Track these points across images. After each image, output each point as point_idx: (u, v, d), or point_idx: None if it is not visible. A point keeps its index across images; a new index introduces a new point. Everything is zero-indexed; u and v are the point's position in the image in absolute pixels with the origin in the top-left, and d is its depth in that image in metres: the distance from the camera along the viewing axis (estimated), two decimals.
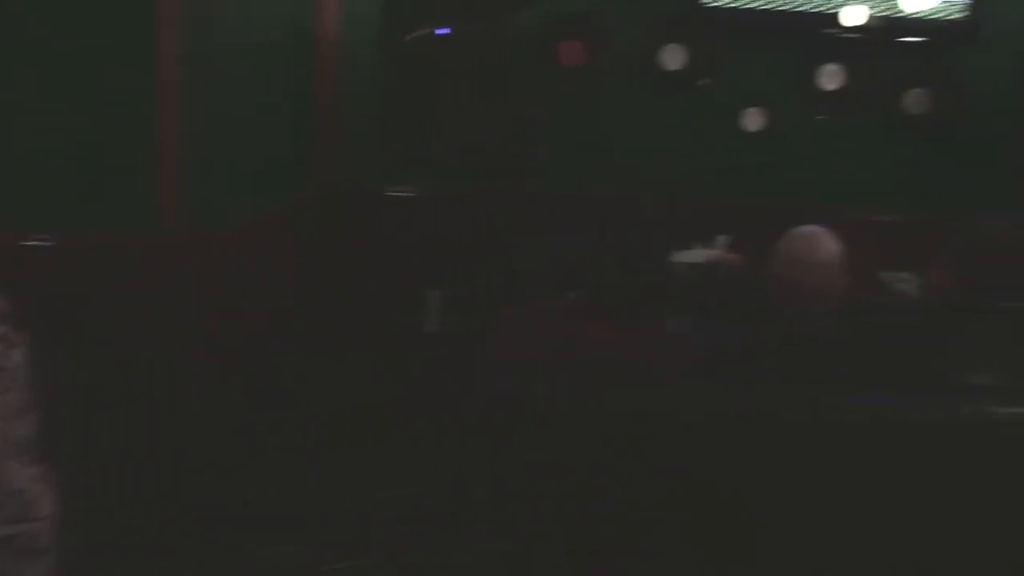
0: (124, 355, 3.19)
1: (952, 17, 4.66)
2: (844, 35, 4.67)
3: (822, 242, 3.19)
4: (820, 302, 3.15)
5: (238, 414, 3.65)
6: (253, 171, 4.04)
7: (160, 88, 3.29)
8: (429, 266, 4.54)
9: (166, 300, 3.29)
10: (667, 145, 4.81)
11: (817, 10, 4.72)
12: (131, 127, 3.28)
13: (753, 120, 4.83)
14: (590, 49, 4.77)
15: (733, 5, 4.75)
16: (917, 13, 4.64)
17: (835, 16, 4.66)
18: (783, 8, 4.75)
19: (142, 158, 3.29)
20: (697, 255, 4.23)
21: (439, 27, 4.11)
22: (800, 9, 4.75)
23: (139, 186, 3.30)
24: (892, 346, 3.09)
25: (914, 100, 4.79)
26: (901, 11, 4.64)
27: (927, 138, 4.78)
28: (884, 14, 4.65)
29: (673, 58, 4.84)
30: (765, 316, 3.17)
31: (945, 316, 3.19)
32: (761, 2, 4.74)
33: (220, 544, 3.41)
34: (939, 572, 2.76)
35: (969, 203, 3.25)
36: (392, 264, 4.71)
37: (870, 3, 4.65)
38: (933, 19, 4.66)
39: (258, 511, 3.64)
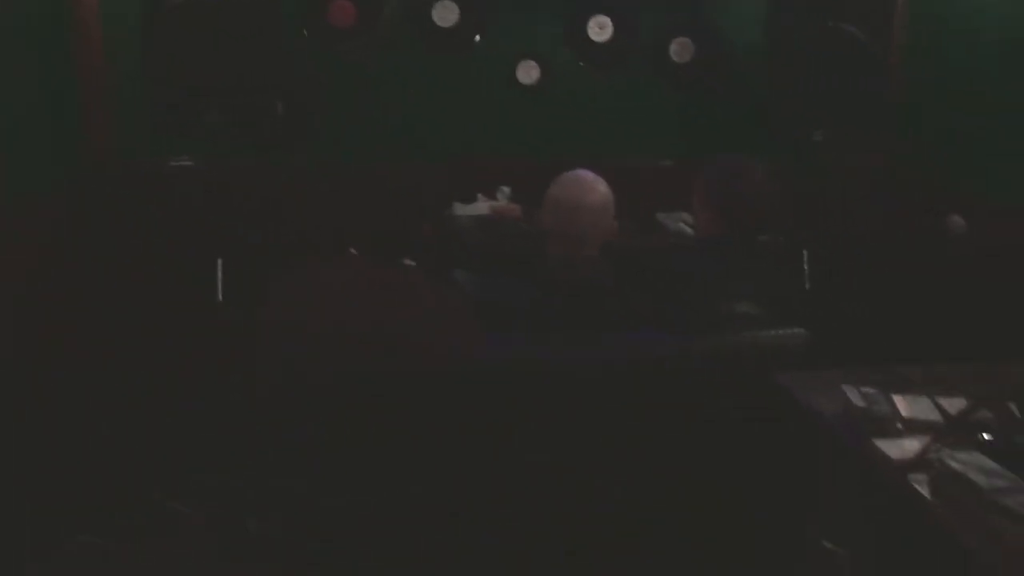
0: None
1: None
2: None
3: (590, 185, 3.12)
4: (590, 244, 3.08)
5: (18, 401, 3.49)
6: (20, 151, 3.88)
7: None
8: (212, 236, 4.42)
9: None
10: (442, 105, 4.71)
11: None
12: None
13: (525, 74, 4.79)
14: (360, 9, 4.65)
15: None
16: None
17: None
18: None
19: None
20: (477, 208, 4.13)
21: None
22: None
23: None
24: (661, 284, 3.08)
25: (679, 50, 4.87)
26: None
27: (692, 87, 4.86)
28: None
29: (444, 15, 4.77)
30: (540, 264, 3.10)
31: (708, 252, 3.21)
32: None
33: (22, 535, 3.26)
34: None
35: (731, 148, 3.38)
36: (173, 236, 4.55)
37: None
38: None
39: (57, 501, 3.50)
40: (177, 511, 3.45)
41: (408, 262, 2.81)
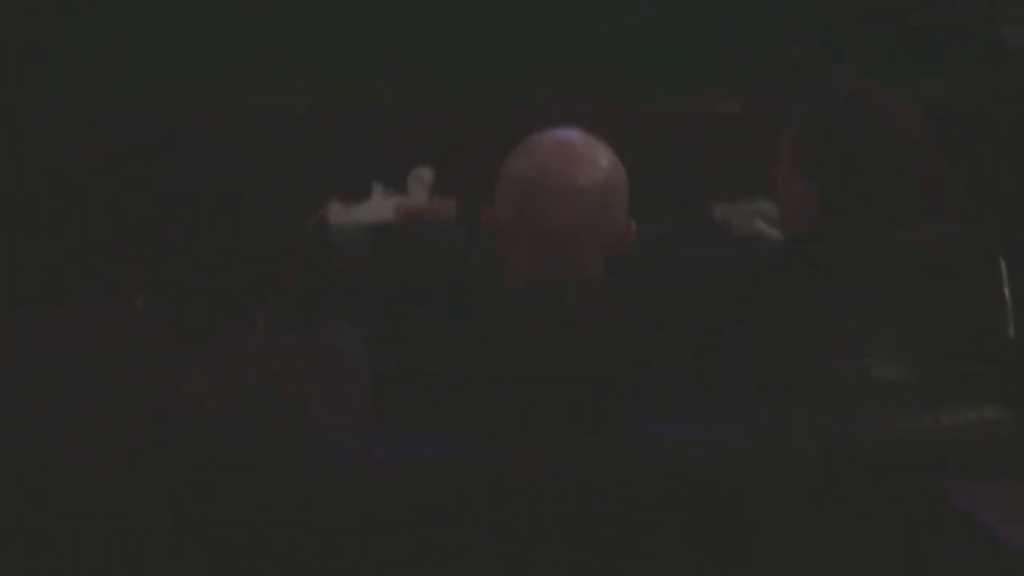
0: None
1: None
2: None
3: (582, 155, 2.39)
4: (584, 261, 2.37)
5: None
6: None
7: None
8: None
9: None
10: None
11: None
12: None
13: None
14: None
15: None
16: None
17: None
18: None
19: None
20: (373, 209, 3.36)
21: None
22: None
23: None
24: (718, 329, 2.44)
25: None
26: None
27: None
28: None
29: None
30: (492, 302, 2.42)
31: (806, 265, 2.55)
32: None
33: None
34: None
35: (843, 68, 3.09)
36: None
37: None
38: None
39: None
40: None
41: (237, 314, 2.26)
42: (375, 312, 2.85)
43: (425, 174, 3.64)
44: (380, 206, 3.45)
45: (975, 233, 3.33)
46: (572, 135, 2.41)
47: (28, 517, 2.16)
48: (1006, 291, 3.08)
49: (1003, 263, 3.13)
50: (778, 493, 2.22)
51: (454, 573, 2.14)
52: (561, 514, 2.15)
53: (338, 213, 3.32)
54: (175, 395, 2.14)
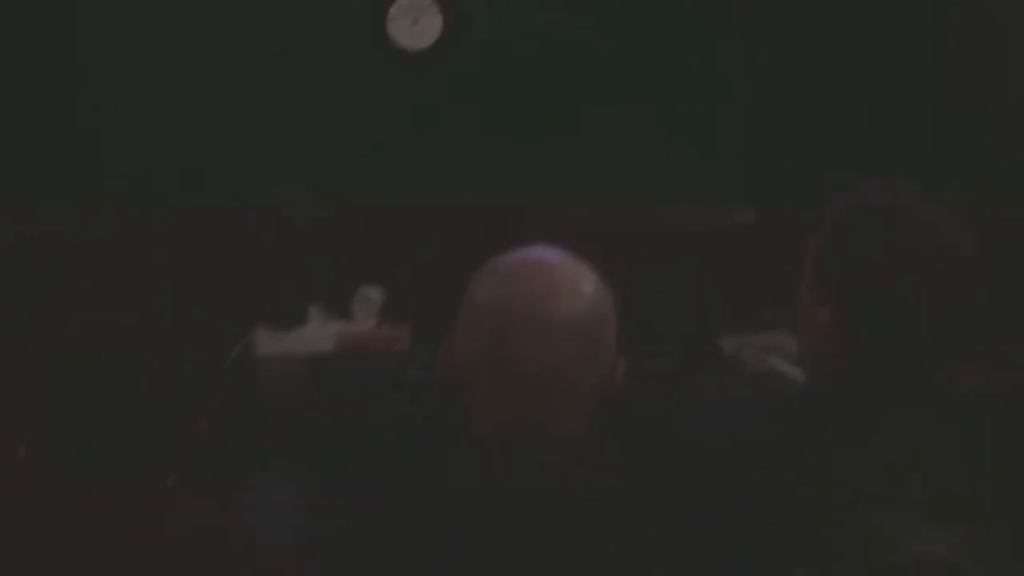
0: None
1: None
2: None
3: (560, 279, 2.13)
4: (564, 410, 2.09)
5: None
6: None
7: None
8: None
9: None
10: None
11: None
12: None
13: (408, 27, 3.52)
14: None
15: None
16: None
17: None
18: None
19: None
20: (309, 337, 3.08)
21: None
22: None
23: None
24: (731, 497, 2.14)
25: None
26: None
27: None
28: None
29: None
30: (451, 461, 2.11)
31: (834, 414, 2.22)
32: None
33: None
34: None
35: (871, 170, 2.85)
36: None
37: None
38: None
39: None
40: None
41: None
42: (310, 465, 2.62)
43: (373, 295, 3.35)
44: (318, 334, 3.20)
45: None
46: (550, 255, 2.14)
47: None
48: None
49: None
50: None
51: None
52: None
53: (266, 343, 3.04)
54: (62, 566, 1.92)
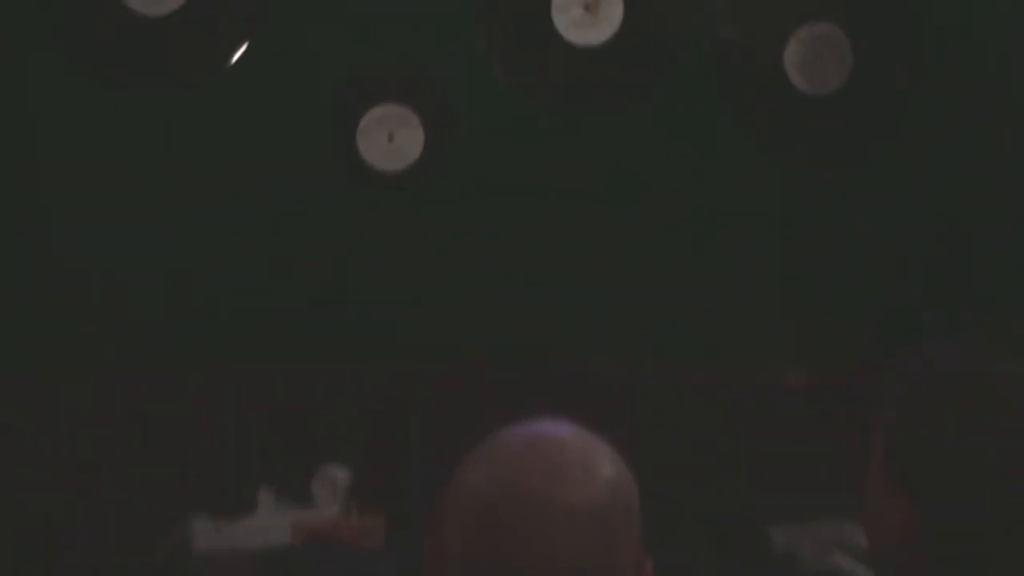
0: None
1: None
2: None
3: (570, 462, 1.82)
4: None
5: None
6: None
7: None
8: None
9: None
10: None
11: None
12: None
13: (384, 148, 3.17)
14: None
15: None
16: None
17: None
18: None
19: None
20: (257, 528, 2.67)
21: None
22: None
23: None
24: None
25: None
26: None
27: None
28: None
29: None
30: None
31: None
32: None
33: None
34: None
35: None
36: None
37: None
38: None
39: None
40: None
41: None
42: None
43: (338, 476, 2.95)
44: (269, 523, 2.76)
45: None
46: (560, 431, 1.83)
47: None
48: None
49: None
50: None
51: None
52: None
53: (206, 534, 2.60)
54: None
